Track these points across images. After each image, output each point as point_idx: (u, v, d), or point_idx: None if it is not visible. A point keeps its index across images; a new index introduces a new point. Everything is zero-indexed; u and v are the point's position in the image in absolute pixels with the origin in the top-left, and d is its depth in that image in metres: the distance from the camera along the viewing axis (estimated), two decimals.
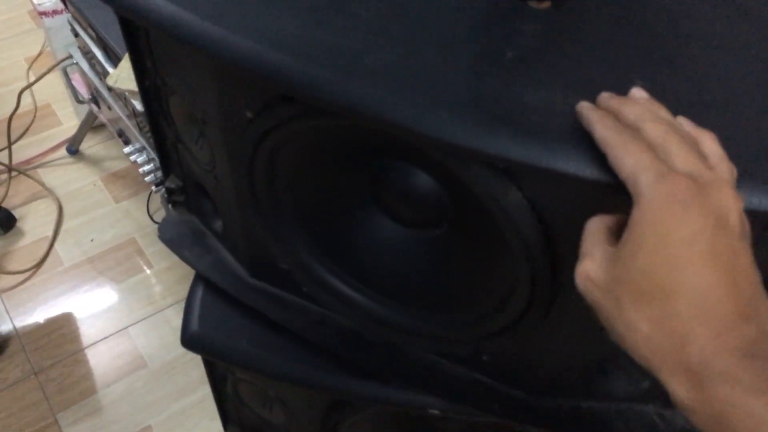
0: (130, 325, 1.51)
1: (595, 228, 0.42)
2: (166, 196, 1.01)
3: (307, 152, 0.58)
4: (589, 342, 0.59)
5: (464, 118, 0.44)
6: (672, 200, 0.37)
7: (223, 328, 0.72)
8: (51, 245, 1.64)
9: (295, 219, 0.63)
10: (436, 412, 0.70)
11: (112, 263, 1.62)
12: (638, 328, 0.37)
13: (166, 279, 1.59)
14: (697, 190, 0.37)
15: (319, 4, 0.52)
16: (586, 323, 0.56)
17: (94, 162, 1.83)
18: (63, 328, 1.51)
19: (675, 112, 0.43)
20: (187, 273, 1.59)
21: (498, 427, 0.77)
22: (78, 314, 1.53)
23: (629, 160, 0.39)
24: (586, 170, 0.42)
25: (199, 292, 0.74)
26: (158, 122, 0.70)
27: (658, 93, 0.45)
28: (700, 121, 0.43)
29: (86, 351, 1.47)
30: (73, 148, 1.82)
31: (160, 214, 1.67)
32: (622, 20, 0.51)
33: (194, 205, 0.76)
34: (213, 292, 0.74)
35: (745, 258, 0.37)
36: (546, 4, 0.52)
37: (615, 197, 0.42)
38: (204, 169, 0.67)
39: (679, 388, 0.36)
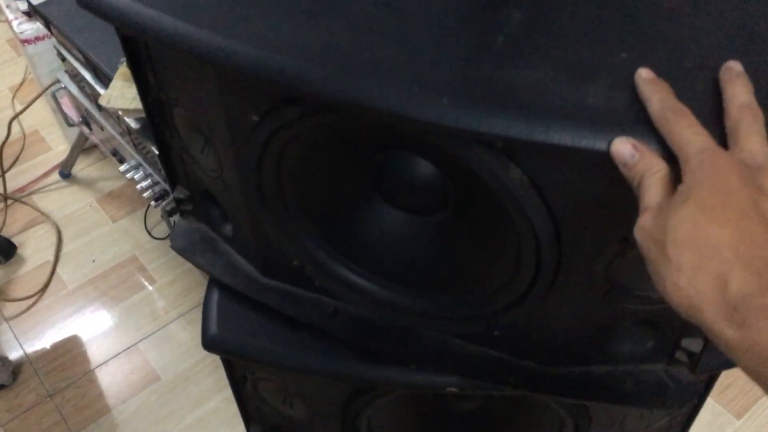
0: (138, 341, 1.53)
1: (652, 182, 0.43)
2: (169, 207, 1.04)
3: (312, 150, 0.60)
4: (594, 309, 0.62)
5: (460, 101, 0.47)
6: (718, 170, 0.40)
7: (241, 329, 0.75)
8: (53, 269, 1.65)
9: (303, 215, 0.66)
10: (453, 390, 0.72)
11: (115, 282, 1.64)
12: (681, 270, 0.39)
13: (169, 293, 1.61)
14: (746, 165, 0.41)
15: (312, 6, 0.54)
16: (590, 292, 0.60)
17: (88, 184, 1.85)
18: (73, 349, 1.53)
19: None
20: (190, 285, 1.62)
21: (511, 399, 0.80)
22: (86, 335, 1.54)
23: (677, 134, 0.43)
24: (581, 141, 0.45)
25: (215, 296, 0.77)
26: (163, 135, 0.72)
27: (641, 63, 0.48)
28: (680, 85, 0.46)
29: (98, 370, 1.49)
30: (65, 171, 1.83)
31: (158, 230, 1.69)
32: (601, 2, 0.54)
33: (202, 213, 0.79)
34: (228, 296, 0.77)
35: None
36: None
37: (612, 166, 0.45)
38: (211, 176, 0.69)
39: (722, 328, 0.37)
